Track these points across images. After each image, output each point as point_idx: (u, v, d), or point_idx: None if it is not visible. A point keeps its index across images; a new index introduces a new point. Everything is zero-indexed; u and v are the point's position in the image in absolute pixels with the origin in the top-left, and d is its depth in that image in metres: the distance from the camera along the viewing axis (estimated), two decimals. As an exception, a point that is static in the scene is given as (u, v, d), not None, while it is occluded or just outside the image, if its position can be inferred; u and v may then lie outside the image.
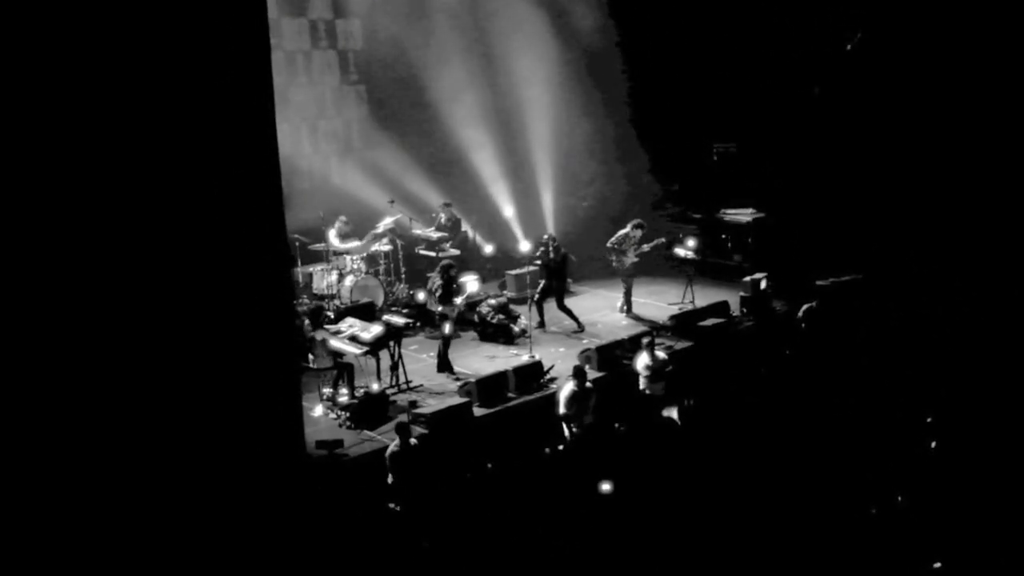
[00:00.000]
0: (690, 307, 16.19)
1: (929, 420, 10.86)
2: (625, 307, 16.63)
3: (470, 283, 16.42)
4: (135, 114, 8.45)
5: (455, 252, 17.19)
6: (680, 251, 16.91)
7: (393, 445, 10.88)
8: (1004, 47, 16.09)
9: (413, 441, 10.96)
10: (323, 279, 16.31)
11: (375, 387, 12.98)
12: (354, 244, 16.47)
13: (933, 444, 10.44)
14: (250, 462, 9.15)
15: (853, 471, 10.12)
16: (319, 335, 12.83)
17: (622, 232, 16.40)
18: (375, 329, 13.17)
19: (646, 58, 20.18)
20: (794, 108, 18.42)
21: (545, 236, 16.45)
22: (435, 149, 19.97)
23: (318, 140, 19.83)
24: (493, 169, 20.16)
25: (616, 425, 12.56)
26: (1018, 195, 16.00)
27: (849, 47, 18.04)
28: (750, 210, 18.74)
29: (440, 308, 14.08)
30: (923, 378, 12.21)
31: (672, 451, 12.03)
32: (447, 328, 13.97)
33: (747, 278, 16.41)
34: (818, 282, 15.44)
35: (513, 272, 17.70)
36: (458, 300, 14.22)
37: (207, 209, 8.88)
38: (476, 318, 15.79)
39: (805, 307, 14.68)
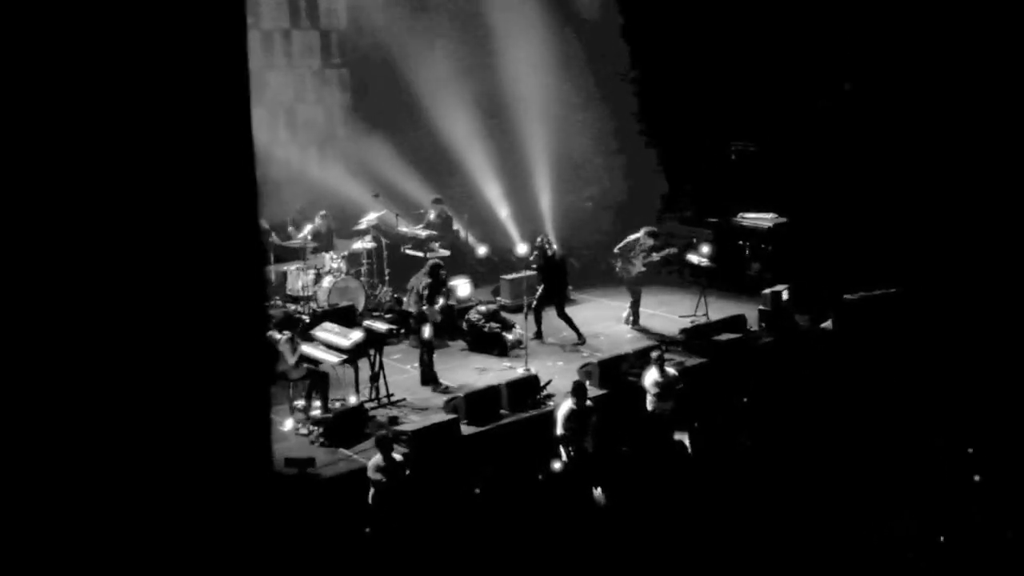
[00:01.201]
0: (703, 320, 16.06)
1: (971, 451, 10.69)
2: (631, 318, 16.51)
3: (461, 287, 16.24)
4: (91, 93, 8.22)
5: (445, 253, 17.01)
6: (693, 258, 16.79)
7: (376, 459, 10.76)
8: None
9: (398, 457, 10.84)
10: (298, 279, 16.14)
11: (352, 400, 12.81)
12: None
13: (977, 478, 10.25)
14: (211, 480, 8.91)
15: (887, 509, 9.93)
16: (283, 340, 12.63)
17: (632, 237, 16.30)
18: (354, 335, 13.02)
19: (655, 46, 20.04)
20: (822, 104, 18.27)
21: (538, 238, 16.32)
22: (424, 140, 19.84)
23: (296, 127, 19.76)
24: (488, 163, 20.06)
25: (620, 448, 12.48)
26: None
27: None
28: (771, 215, 18.63)
29: (424, 308, 13.88)
30: (965, 404, 12.06)
31: (681, 478, 12.01)
32: (426, 332, 13.80)
33: (767, 290, 16.30)
34: (846, 296, 15.27)
35: (508, 276, 17.61)
36: (439, 303, 13.97)
37: (171, 199, 8.67)
38: (465, 326, 15.62)
39: (825, 324, 14.57)
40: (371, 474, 10.72)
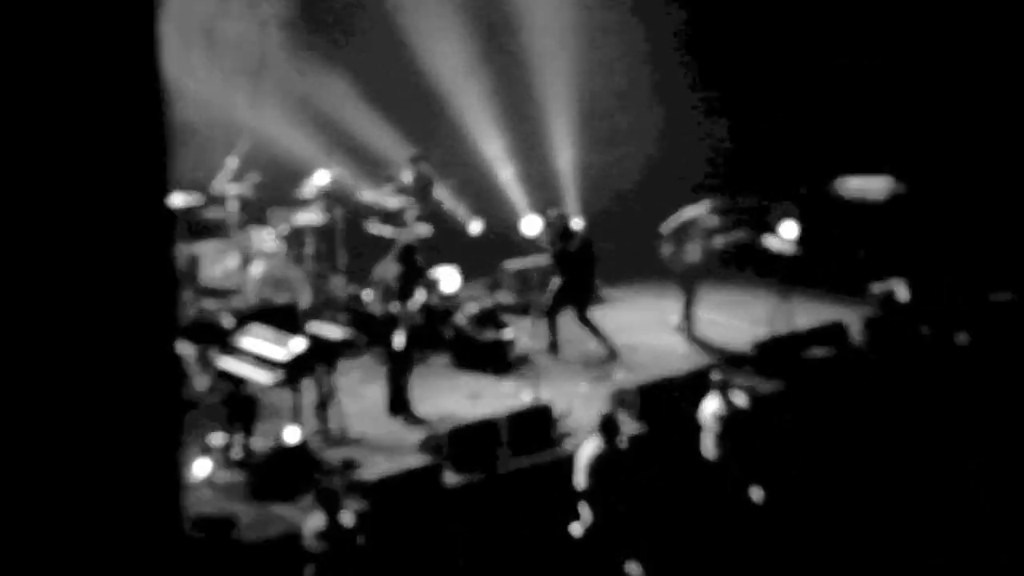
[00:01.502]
0: (784, 329, 16.01)
1: None
2: (684, 324, 16.59)
3: (446, 279, 16.21)
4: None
5: (424, 230, 16.91)
6: (772, 243, 16.75)
7: (316, 521, 10.72)
8: None
9: (348, 518, 10.85)
10: (218, 264, 16.08)
11: (291, 435, 12.76)
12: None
13: None
14: (99, 548, 8.89)
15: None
16: (192, 354, 12.64)
17: (688, 213, 16.50)
18: (295, 345, 12.96)
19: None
20: (960, 22, 18.19)
21: (552, 213, 16.28)
22: (397, 75, 19.79)
23: (218, 53, 19.65)
24: (485, 108, 20.02)
25: (665, 506, 12.51)
26: None
27: None
28: (884, 180, 18.56)
29: (394, 308, 13.83)
30: None
31: (750, 548, 12.20)
32: (398, 340, 13.79)
33: (876, 287, 16.25)
34: (990, 296, 15.19)
35: (512, 265, 17.71)
36: (415, 301, 13.94)
37: (43, 154, 8.62)
38: (451, 333, 15.61)
39: (959, 336, 14.55)
40: (309, 541, 10.68)
